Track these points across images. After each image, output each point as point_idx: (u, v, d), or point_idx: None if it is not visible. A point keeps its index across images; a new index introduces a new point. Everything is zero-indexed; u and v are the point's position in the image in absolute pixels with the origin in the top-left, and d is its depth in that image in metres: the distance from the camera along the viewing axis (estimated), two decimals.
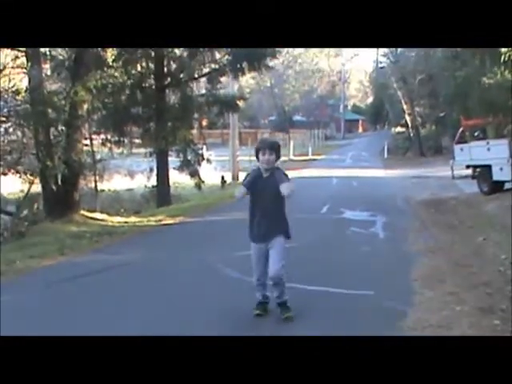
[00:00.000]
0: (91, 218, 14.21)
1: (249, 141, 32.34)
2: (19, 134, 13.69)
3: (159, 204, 19.14)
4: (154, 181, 20.15)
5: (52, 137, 13.90)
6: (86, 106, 14.79)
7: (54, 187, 13.55)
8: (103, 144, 18.86)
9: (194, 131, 21.83)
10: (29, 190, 14.45)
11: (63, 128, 14.08)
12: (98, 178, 18.45)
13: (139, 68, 18.98)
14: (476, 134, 18.74)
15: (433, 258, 8.48)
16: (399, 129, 50.18)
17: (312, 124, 63.42)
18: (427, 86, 37.81)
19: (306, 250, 8.74)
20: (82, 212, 14.44)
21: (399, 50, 40.06)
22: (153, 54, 18.43)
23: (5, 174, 13.20)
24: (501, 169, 15.26)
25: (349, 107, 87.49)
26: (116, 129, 18.68)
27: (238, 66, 18.66)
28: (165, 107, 18.79)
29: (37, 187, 14.27)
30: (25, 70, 13.47)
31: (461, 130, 18.97)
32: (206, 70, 20.04)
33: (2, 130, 13.42)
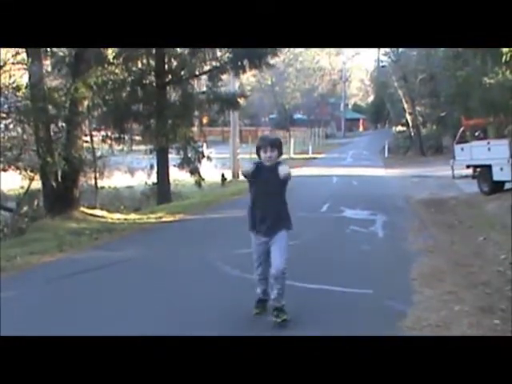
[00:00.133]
0: (91, 215, 14.19)
1: (249, 139, 32.32)
2: (19, 130, 13.67)
3: (159, 201, 19.13)
4: (154, 178, 20.14)
5: (52, 133, 13.88)
6: (86, 103, 14.79)
7: (54, 184, 13.54)
8: (103, 141, 18.85)
9: (195, 129, 21.82)
10: (29, 186, 14.45)
11: (63, 124, 14.06)
12: (98, 174, 18.41)
13: (140, 65, 18.96)
14: (477, 133, 18.75)
15: (432, 257, 8.48)
16: (400, 128, 50.13)
17: (313, 122, 63.41)
18: (428, 85, 37.80)
19: (306, 248, 8.73)
20: (82, 209, 14.42)
21: (400, 49, 40.02)
22: (154, 51, 18.39)
23: (5, 171, 13.18)
24: (501, 169, 15.26)
25: (349, 106, 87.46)
26: (116, 126, 18.67)
27: (239, 63, 18.64)
28: (165, 104, 18.77)
29: (37, 184, 14.26)
30: (25, 66, 13.44)
31: (461, 129, 18.98)
32: (206, 68, 20.00)
33: (3, 126, 13.40)
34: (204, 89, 21.43)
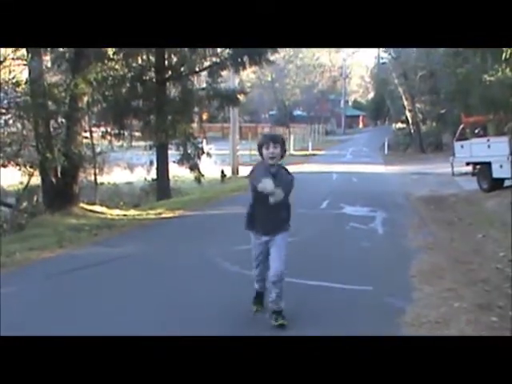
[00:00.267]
0: (90, 211, 14.20)
1: (249, 135, 32.38)
2: (19, 125, 13.66)
3: (159, 197, 19.13)
4: (153, 174, 20.14)
5: (52, 129, 13.87)
6: (86, 99, 14.77)
7: (53, 179, 13.55)
8: (103, 137, 18.84)
9: (195, 125, 21.80)
10: (28, 182, 14.45)
11: (63, 120, 14.05)
12: (97, 170, 18.42)
13: (140, 61, 18.94)
14: (476, 131, 18.75)
15: (432, 254, 8.48)
16: (400, 125, 50.15)
17: (312, 119, 63.42)
18: (428, 82, 37.80)
19: (305, 245, 8.73)
20: (82, 205, 14.42)
21: None
22: None
23: (4, 166, 13.18)
24: (501, 166, 15.26)
25: (349, 103, 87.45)
26: (116, 121, 18.66)
27: (239, 60, 18.63)
28: (165, 100, 18.75)
29: (36, 179, 14.26)
30: (25, 62, 13.44)
31: (461, 126, 18.99)
32: (206, 64, 19.99)
33: (2, 121, 13.40)
34: (204, 85, 21.41)
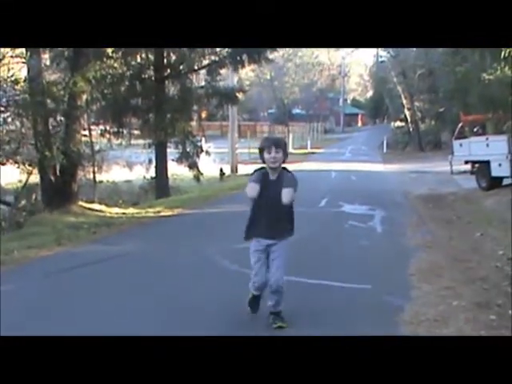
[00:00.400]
0: (89, 209, 14.19)
1: (248, 133, 32.42)
2: (18, 123, 13.64)
3: (158, 195, 19.13)
4: (152, 172, 20.14)
5: (51, 127, 13.87)
6: (85, 97, 14.74)
7: (52, 178, 13.54)
8: (102, 135, 18.85)
9: (193, 123, 21.81)
10: (27, 180, 14.44)
11: (62, 118, 14.05)
12: (96, 168, 18.41)
13: (139, 59, 18.94)
14: (475, 129, 18.76)
15: (430, 252, 8.49)
16: (399, 123, 50.20)
17: (311, 117, 63.42)
18: (427, 80, 37.85)
19: (304, 243, 8.73)
20: (80, 203, 14.41)
21: None
22: None
23: (3, 164, 13.17)
24: (499, 165, 15.27)
25: (348, 101, 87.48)
26: (115, 120, 18.66)
27: (238, 58, 18.63)
28: (164, 99, 18.76)
29: (35, 177, 14.24)
30: (24, 60, 13.42)
31: (460, 125, 18.98)
32: (205, 62, 19.99)
33: (1, 119, 13.37)
34: (203, 83, 21.43)
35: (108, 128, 18.79)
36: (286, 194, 4.85)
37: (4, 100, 13.19)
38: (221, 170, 25.76)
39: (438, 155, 29.87)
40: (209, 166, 24.77)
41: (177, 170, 21.93)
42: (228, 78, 25.49)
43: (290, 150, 38.72)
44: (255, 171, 5.13)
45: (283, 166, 5.13)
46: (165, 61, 19.13)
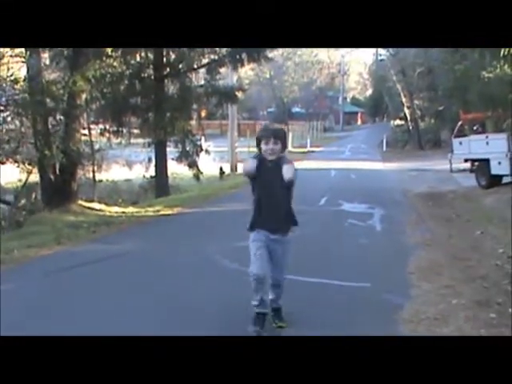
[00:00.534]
0: (89, 208, 14.19)
1: (247, 132, 32.31)
2: (17, 123, 13.64)
3: (157, 194, 19.13)
4: (152, 171, 20.12)
5: (50, 126, 13.87)
6: (84, 96, 14.75)
7: (51, 177, 13.55)
8: (101, 134, 18.85)
9: (193, 122, 21.76)
10: (27, 179, 14.44)
11: (61, 117, 14.05)
12: (96, 167, 18.42)
13: (138, 58, 18.91)
14: (475, 127, 18.76)
15: (430, 251, 8.49)
16: (398, 122, 50.17)
17: (311, 116, 63.37)
18: (426, 79, 37.81)
19: (303, 242, 8.73)
20: (80, 202, 14.42)
21: None
22: None
23: (3, 163, 13.17)
24: (499, 163, 15.28)
25: (348, 99, 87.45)
26: (114, 119, 18.64)
27: (238, 57, 18.60)
28: (164, 98, 18.74)
29: (35, 177, 14.25)
30: (23, 59, 13.42)
31: (460, 123, 18.99)
32: (205, 61, 19.96)
33: (1, 119, 13.37)
34: (202, 82, 21.41)
35: (107, 127, 18.78)
36: (288, 170, 4.65)
37: (3, 99, 13.19)
38: (220, 168, 25.74)
39: (438, 153, 29.87)
40: (208, 165, 24.77)
41: (176, 169, 21.91)
42: (227, 76, 25.45)
43: (290, 148, 38.75)
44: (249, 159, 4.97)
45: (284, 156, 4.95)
46: (164, 60, 19.11)
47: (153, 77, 18.83)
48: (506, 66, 15.10)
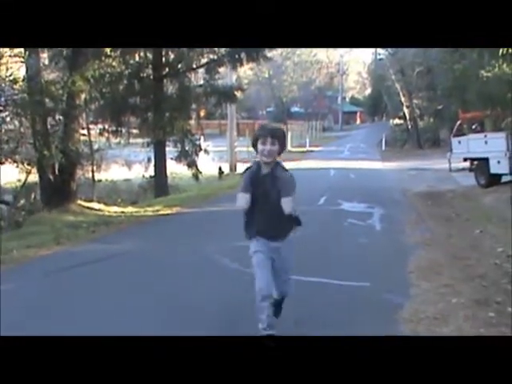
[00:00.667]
0: (88, 208, 14.20)
1: (246, 132, 32.33)
2: (16, 123, 13.65)
3: (156, 194, 19.14)
4: (151, 171, 20.14)
5: (49, 126, 13.88)
6: (83, 96, 14.76)
7: (51, 177, 13.56)
8: (101, 134, 18.86)
9: (192, 122, 21.79)
10: (26, 179, 14.44)
11: (61, 117, 14.05)
12: (95, 167, 18.44)
13: (137, 58, 18.93)
14: (474, 126, 18.77)
15: (429, 250, 8.49)
16: (397, 121, 50.18)
17: (310, 115, 63.37)
18: (425, 78, 37.82)
19: (302, 241, 8.71)
20: (79, 202, 14.43)
21: None
22: None
23: (2, 164, 13.17)
24: (498, 162, 15.29)
25: (347, 99, 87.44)
26: (114, 119, 18.65)
27: (237, 56, 18.61)
28: (163, 97, 18.75)
29: (34, 177, 14.26)
30: (22, 59, 13.42)
31: (459, 122, 19.00)
32: (204, 61, 19.98)
33: (0, 119, 13.38)
34: (201, 82, 21.41)
35: (107, 127, 18.80)
36: (287, 204, 4.28)
37: (3, 99, 13.18)
38: (220, 168, 25.74)
39: (437, 153, 29.88)
40: (207, 165, 24.76)
41: (176, 169, 21.92)
42: (226, 76, 25.45)
43: (289, 148, 38.75)
44: (244, 171, 4.59)
45: (281, 163, 4.56)
46: (163, 59, 19.12)
47: (152, 77, 18.84)
48: (504, 66, 15.10)
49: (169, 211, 14.01)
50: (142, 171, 21.57)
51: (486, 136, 16.44)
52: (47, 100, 13.60)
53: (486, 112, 17.74)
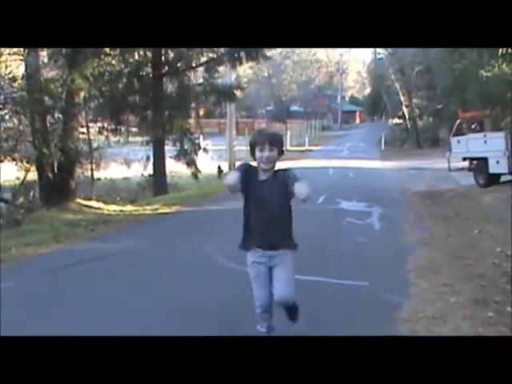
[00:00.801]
0: (87, 206, 14.20)
1: (246, 130, 32.39)
2: (15, 121, 13.66)
3: (155, 193, 19.14)
4: (150, 170, 20.14)
5: (48, 124, 13.88)
6: (82, 94, 14.76)
7: (50, 175, 13.54)
8: (100, 132, 18.85)
9: (191, 120, 21.80)
10: (25, 177, 14.45)
11: (60, 116, 14.06)
12: (94, 166, 18.45)
13: (137, 56, 18.91)
14: (473, 126, 18.78)
15: (428, 249, 8.50)
16: (396, 120, 50.17)
17: (309, 114, 63.40)
18: (425, 77, 37.83)
19: (301, 240, 8.70)
20: (78, 200, 14.43)
21: None
22: None
23: (1, 162, 13.18)
24: (497, 161, 15.30)
25: (346, 98, 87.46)
26: (113, 117, 18.63)
27: (236, 55, 18.59)
28: (162, 96, 18.74)
29: (33, 175, 14.27)
30: (22, 57, 13.42)
31: (458, 122, 19.01)
32: (203, 59, 19.97)
33: None
34: (201, 80, 21.42)
35: (106, 125, 18.78)
36: (302, 187, 3.90)
37: (2, 97, 13.19)
38: (219, 167, 25.74)
39: (436, 152, 29.88)
40: (207, 164, 24.75)
41: (175, 168, 21.90)
42: (226, 75, 25.42)
43: (288, 147, 38.78)
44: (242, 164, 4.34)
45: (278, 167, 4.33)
46: (163, 58, 19.11)
47: (151, 75, 18.82)
48: (504, 65, 15.11)
49: (168, 210, 14.02)
50: (141, 170, 21.54)
51: (485, 136, 16.45)
52: (46, 98, 13.60)
53: (485, 112, 17.76)
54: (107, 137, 19.11)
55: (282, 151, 4.27)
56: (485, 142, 16.12)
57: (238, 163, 27.06)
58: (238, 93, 21.83)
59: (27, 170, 14.04)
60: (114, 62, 17.62)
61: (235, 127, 30.12)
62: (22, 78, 13.27)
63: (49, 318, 5.48)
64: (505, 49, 12.06)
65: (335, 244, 9.21)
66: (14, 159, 13.25)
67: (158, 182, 19.49)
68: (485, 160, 15.83)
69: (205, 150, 21.55)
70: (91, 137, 18.19)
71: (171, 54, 19.48)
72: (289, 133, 43.63)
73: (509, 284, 6.35)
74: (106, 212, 13.83)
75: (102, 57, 16.31)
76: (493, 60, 15.61)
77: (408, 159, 30.24)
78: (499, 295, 5.95)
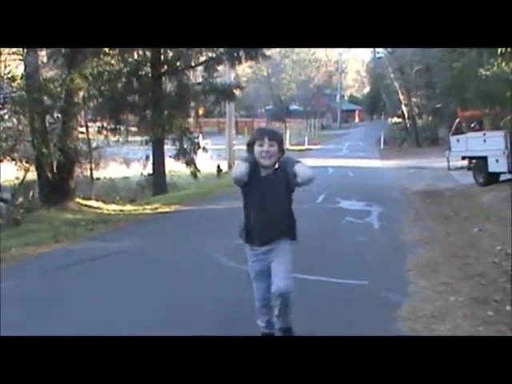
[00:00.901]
0: (86, 206, 14.19)
1: (245, 130, 32.39)
2: (15, 120, 13.65)
3: (155, 192, 19.14)
4: (149, 169, 20.15)
5: (48, 124, 13.87)
6: (82, 94, 14.76)
7: (49, 175, 13.54)
8: (99, 132, 18.86)
9: (191, 120, 21.80)
10: (24, 177, 14.44)
11: (59, 115, 14.05)
12: (93, 165, 18.45)
13: (136, 56, 18.90)
14: (472, 125, 18.76)
15: (428, 248, 8.50)
16: (396, 119, 50.16)
17: (308, 113, 63.41)
18: (424, 76, 37.81)
19: (301, 240, 8.69)
20: (78, 200, 14.43)
21: None
22: None
23: (0, 161, 13.17)
24: (497, 160, 15.30)
25: (345, 97, 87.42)
26: (112, 116, 18.64)
27: (235, 54, 18.59)
28: (161, 95, 18.74)
29: (32, 175, 14.26)
30: (21, 57, 13.41)
31: (457, 121, 19.00)
32: (202, 59, 19.98)
33: None
34: (200, 80, 21.43)
35: (105, 125, 18.79)
36: (302, 168, 3.93)
37: (1, 97, 13.18)
38: (218, 166, 25.74)
39: (435, 151, 29.87)
40: (206, 163, 24.76)
41: (174, 167, 21.91)
42: (225, 74, 25.43)
43: (287, 146, 38.73)
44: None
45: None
46: (162, 57, 19.11)
47: (150, 74, 18.82)
48: (503, 64, 15.10)
49: (167, 209, 14.01)
50: (140, 169, 21.53)
51: (484, 134, 16.44)
52: (45, 98, 13.60)
53: (484, 110, 17.76)
54: (106, 136, 19.10)
55: (283, 150, 4.20)
56: (484, 140, 16.12)
57: (237, 162, 27.13)
58: (237, 92, 21.83)
59: (26, 170, 14.03)
60: (113, 61, 17.63)
61: (234, 126, 30.13)
62: (21, 77, 13.27)
63: (48, 318, 5.48)
64: (504, 48, 12.06)
65: (334, 243, 9.21)
66: (13, 159, 13.24)
67: (158, 182, 19.50)
68: (484, 159, 15.83)
69: (204, 149, 21.55)
70: (90, 136, 18.19)
71: (170, 54, 19.49)
72: (288, 132, 43.62)
73: (509, 283, 6.34)
74: (105, 211, 13.83)
75: (101, 56, 16.31)
76: (492, 59, 15.61)
77: (407, 158, 30.24)
78: (499, 294, 5.95)
